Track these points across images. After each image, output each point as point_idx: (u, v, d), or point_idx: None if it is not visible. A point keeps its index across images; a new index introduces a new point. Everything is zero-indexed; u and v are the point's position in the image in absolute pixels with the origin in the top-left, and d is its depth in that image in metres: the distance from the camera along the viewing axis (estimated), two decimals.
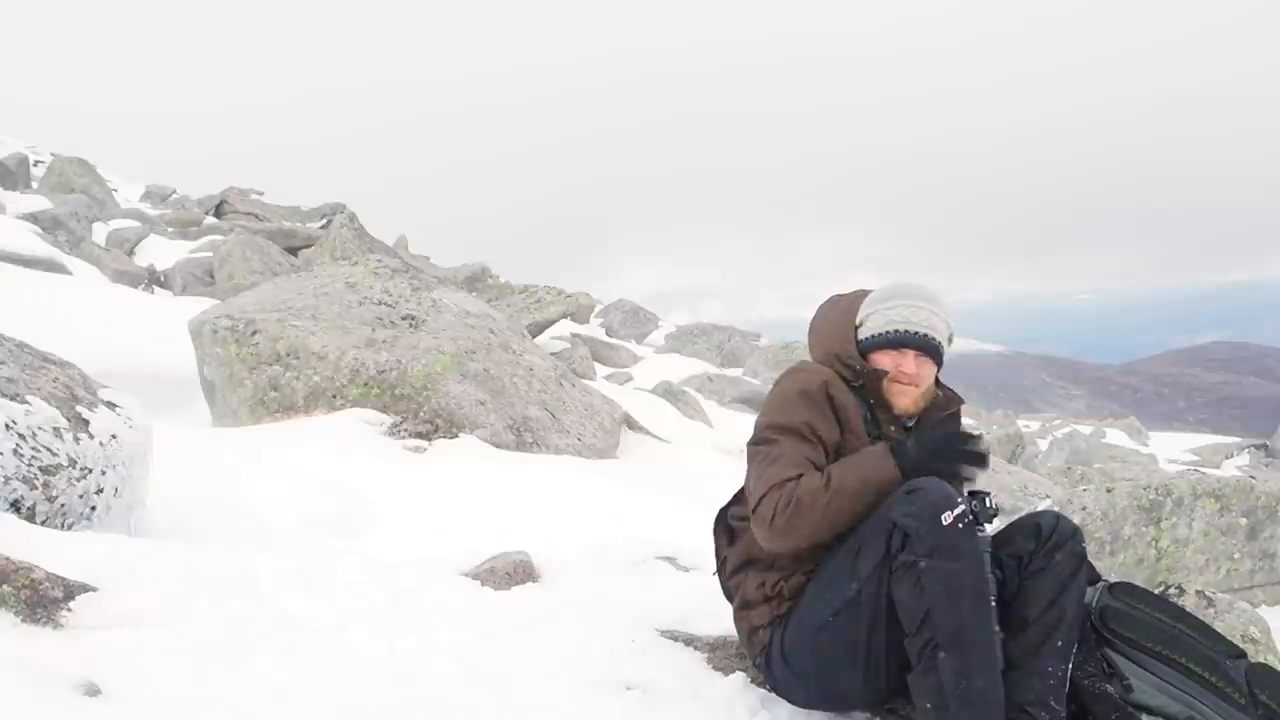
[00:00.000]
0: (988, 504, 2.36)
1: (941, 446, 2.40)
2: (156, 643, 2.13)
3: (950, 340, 2.64)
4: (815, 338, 2.73)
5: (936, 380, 2.65)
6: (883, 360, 2.55)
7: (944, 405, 2.64)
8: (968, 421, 3.26)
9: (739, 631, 2.64)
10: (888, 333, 2.55)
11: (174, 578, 2.43)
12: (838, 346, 2.62)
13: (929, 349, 2.55)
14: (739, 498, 2.70)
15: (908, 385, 2.54)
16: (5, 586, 2.11)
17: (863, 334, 2.61)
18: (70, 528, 2.72)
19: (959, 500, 2.25)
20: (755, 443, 2.51)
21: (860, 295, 2.71)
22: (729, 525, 2.71)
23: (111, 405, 3.08)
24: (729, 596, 2.70)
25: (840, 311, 2.71)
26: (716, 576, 2.77)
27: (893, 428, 2.55)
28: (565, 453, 6.22)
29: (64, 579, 2.22)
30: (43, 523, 2.62)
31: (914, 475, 2.32)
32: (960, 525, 2.22)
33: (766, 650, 2.51)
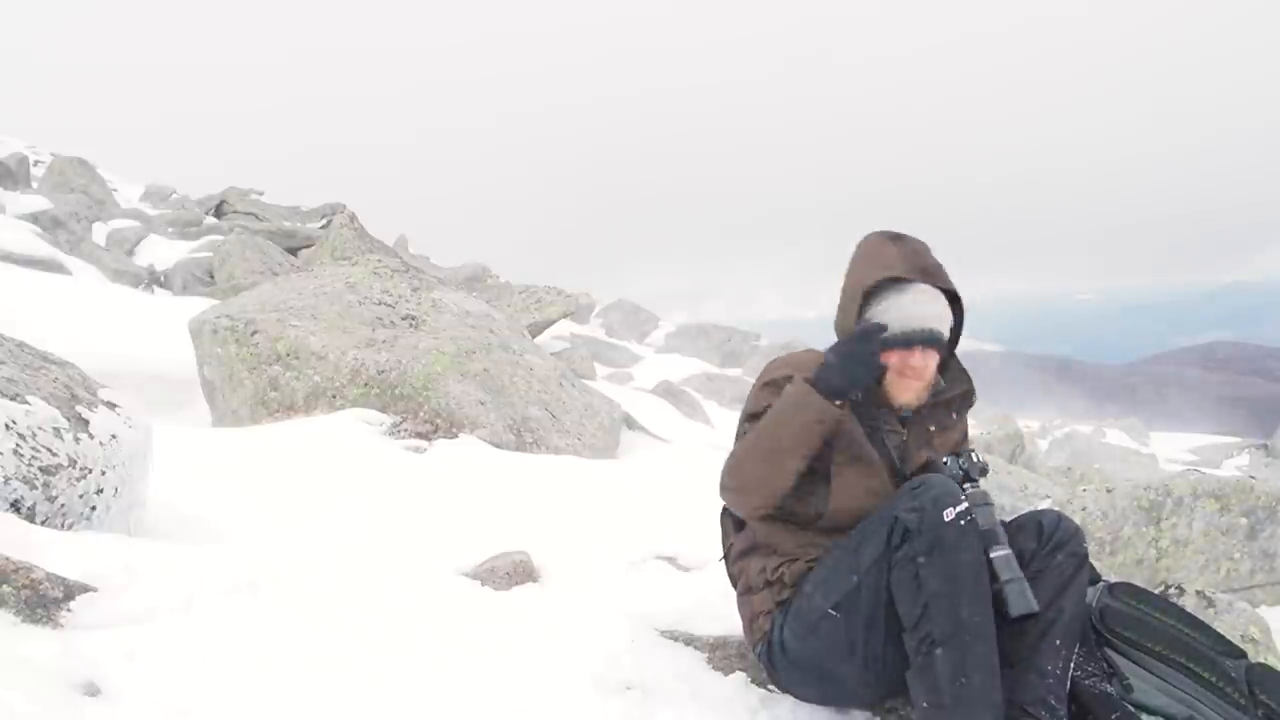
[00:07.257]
0: (975, 458, 2.38)
1: (850, 351, 2.37)
2: (156, 643, 2.13)
3: (960, 321, 2.56)
4: (839, 307, 2.58)
5: (947, 359, 2.60)
6: (888, 357, 2.45)
7: (945, 389, 2.60)
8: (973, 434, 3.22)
9: (741, 617, 2.65)
10: (896, 334, 2.43)
11: (174, 578, 2.43)
12: (841, 329, 2.53)
13: (934, 342, 2.48)
14: None
15: (912, 380, 2.48)
16: (5, 586, 2.11)
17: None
18: (70, 528, 2.72)
19: (962, 498, 2.27)
20: (737, 438, 2.56)
21: (872, 263, 2.51)
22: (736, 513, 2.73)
23: (111, 405, 3.08)
24: (733, 582, 2.70)
25: (850, 286, 2.56)
26: (724, 563, 2.78)
27: (886, 425, 2.52)
28: (565, 452, 6.22)
29: (64, 579, 2.22)
30: (43, 523, 2.61)
31: (831, 386, 2.32)
32: (962, 522, 2.22)
33: (767, 637, 2.51)
